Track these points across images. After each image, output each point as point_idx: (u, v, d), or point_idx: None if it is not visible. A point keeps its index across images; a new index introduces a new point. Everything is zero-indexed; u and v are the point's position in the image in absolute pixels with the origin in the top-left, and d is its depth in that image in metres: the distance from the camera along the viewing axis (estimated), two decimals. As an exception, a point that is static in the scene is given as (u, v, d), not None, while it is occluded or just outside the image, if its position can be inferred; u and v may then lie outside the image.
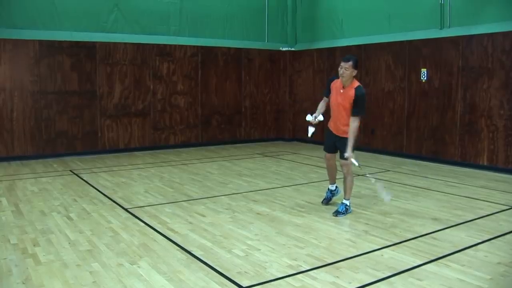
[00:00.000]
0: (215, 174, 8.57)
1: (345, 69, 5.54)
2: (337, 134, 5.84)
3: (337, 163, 6.16)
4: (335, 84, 5.79)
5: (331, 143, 5.96)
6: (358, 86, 5.58)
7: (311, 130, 5.84)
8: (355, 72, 5.59)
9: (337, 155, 6.04)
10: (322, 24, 12.52)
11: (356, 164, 5.61)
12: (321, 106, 5.99)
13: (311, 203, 6.41)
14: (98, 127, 10.78)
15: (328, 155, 6.08)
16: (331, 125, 5.94)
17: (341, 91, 5.67)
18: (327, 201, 6.31)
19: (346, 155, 5.57)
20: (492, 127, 8.75)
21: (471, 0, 9.17)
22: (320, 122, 5.85)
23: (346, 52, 11.45)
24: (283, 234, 5.07)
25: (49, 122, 10.22)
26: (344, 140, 5.66)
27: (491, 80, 8.73)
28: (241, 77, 12.75)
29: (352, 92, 5.56)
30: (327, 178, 6.34)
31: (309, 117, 5.82)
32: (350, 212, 5.86)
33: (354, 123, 5.55)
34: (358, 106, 5.55)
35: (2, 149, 9.79)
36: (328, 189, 6.34)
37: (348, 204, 5.84)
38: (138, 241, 4.86)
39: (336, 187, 6.32)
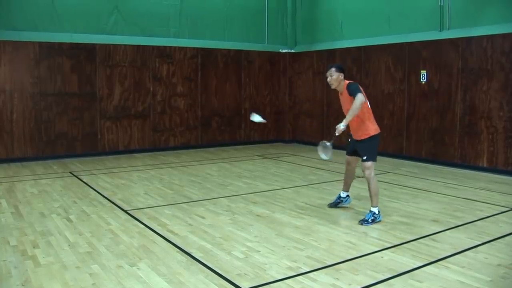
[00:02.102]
0: (215, 176, 8.57)
1: (330, 75, 5.62)
2: (355, 138, 5.77)
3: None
4: (339, 95, 5.87)
5: (352, 147, 5.88)
6: (348, 84, 5.60)
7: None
8: (341, 76, 5.63)
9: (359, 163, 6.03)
10: (322, 26, 12.53)
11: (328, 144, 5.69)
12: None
13: (311, 205, 6.41)
14: (98, 129, 10.79)
15: (349, 158, 5.97)
16: (352, 133, 5.89)
17: (341, 97, 5.79)
18: (332, 205, 6.25)
19: (337, 126, 5.45)
20: (492, 129, 8.75)
21: (471, 1, 9.18)
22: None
23: (346, 54, 11.50)
24: (283, 236, 5.07)
25: (49, 124, 10.22)
26: (362, 143, 5.65)
27: (491, 82, 8.73)
28: (241, 79, 12.76)
29: (346, 92, 5.59)
30: (342, 182, 6.28)
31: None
32: (380, 220, 5.58)
33: (356, 100, 5.37)
34: (350, 90, 5.48)
35: (2, 151, 9.79)
36: (339, 194, 6.26)
37: (376, 212, 5.56)
38: (138, 243, 4.85)
39: (348, 196, 6.23)
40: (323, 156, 5.76)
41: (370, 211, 5.60)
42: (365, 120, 5.61)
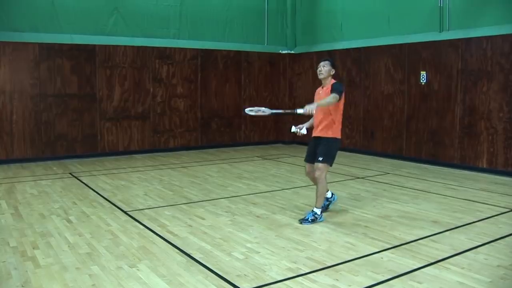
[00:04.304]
0: (215, 177, 8.57)
1: (323, 66, 5.71)
2: (319, 135, 5.64)
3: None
4: (317, 91, 5.89)
5: (312, 151, 5.72)
6: (335, 82, 5.67)
7: (294, 129, 5.77)
8: (333, 71, 5.73)
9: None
10: (322, 27, 12.54)
11: (293, 130, 5.68)
12: (310, 120, 5.94)
13: (311, 206, 6.38)
14: (98, 130, 10.79)
15: (309, 166, 5.79)
16: (313, 132, 5.77)
17: (321, 91, 5.76)
18: (323, 209, 6.01)
19: (308, 106, 5.22)
20: (492, 130, 8.75)
21: (470, 2, 9.19)
22: (303, 135, 5.75)
23: (346, 55, 11.51)
24: (283, 237, 5.07)
25: (49, 125, 10.22)
26: (323, 140, 5.57)
27: (490, 83, 8.74)
28: (241, 80, 12.76)
29: (329, 87, 5.60)
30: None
31: (293, 129, 5.76)
32: (321, 221, 5.58)
33: (332, 96, 5.39)
34: (335, 87, 5.51)
35: (2, 152, 9.79)
36: (325, 197, 5.99)
37: (318, 212, 5.57)
38: (138, 244, 4.85)
39: (332, 194, 6.10)
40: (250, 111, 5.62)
41: (312, 210, 5.61)
42: (336, 122, 5.63)
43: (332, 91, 5.49)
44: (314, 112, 5.31)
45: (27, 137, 10.02)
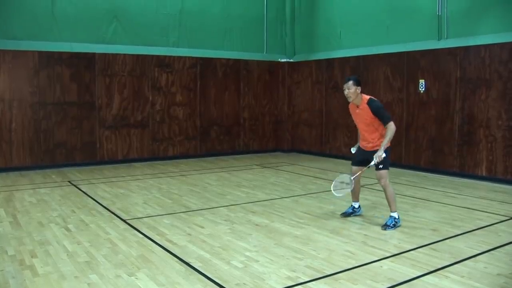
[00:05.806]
0: (214, 185, 8.56)
1: (348, 89, 5.70)
2: (369, 150, 5.82)
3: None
4: (351, 107, 5.94)
5: (362, 158, 5.90)
6: (369, 100, 5.70)
7: (354, 150, 6.08)
8: (359, 89, 5.71)
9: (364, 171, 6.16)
10: (321, 36, 12.59)
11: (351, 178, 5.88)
12: (358, 133, 6.15)
13: (310, 214, 6.39)
14: (97, 138, 10.78)
15: (355, 168, 6.00)
16: (362, 144, 5.96)
17: (357, 111, 5.80)
18: (345, 215, 6.25)
19: (377, 154, 5.54)
20: (491, 138, 8.77)
21: (468, 11, 9.24)
22: None
23: (344, 63, 11.55)
24: (282, 246, 5.06)
25: (48, 133, 10.22)
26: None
27: (489, 91, 8.76)
28: (240, 88, 12.79)
29: (366, 107, 5.67)
30: (350, 194, 6.24)
31: (353, 150, 6.06)
32: (399, 224, 5.76)
33: (390, 127, 5.61)
34: (382, 116, 5.63)
35: (1, 160, 9.78)
36: (352, 205, 6.30)
37: (396, 216, 5.76)
38: (136, 252, 4.84)
39: (359, 206, 6.30)
40: (338, 193, 5.91)
41: (390, 216, 5.79)
42: (382, 135, 5.77)
43: (382, 120, 5.62)
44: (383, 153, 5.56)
45: (26, 145, 10.01)
